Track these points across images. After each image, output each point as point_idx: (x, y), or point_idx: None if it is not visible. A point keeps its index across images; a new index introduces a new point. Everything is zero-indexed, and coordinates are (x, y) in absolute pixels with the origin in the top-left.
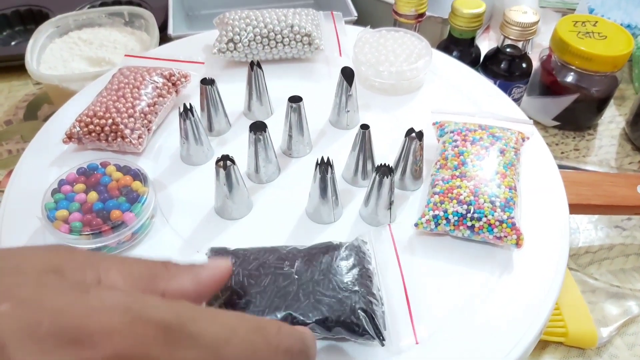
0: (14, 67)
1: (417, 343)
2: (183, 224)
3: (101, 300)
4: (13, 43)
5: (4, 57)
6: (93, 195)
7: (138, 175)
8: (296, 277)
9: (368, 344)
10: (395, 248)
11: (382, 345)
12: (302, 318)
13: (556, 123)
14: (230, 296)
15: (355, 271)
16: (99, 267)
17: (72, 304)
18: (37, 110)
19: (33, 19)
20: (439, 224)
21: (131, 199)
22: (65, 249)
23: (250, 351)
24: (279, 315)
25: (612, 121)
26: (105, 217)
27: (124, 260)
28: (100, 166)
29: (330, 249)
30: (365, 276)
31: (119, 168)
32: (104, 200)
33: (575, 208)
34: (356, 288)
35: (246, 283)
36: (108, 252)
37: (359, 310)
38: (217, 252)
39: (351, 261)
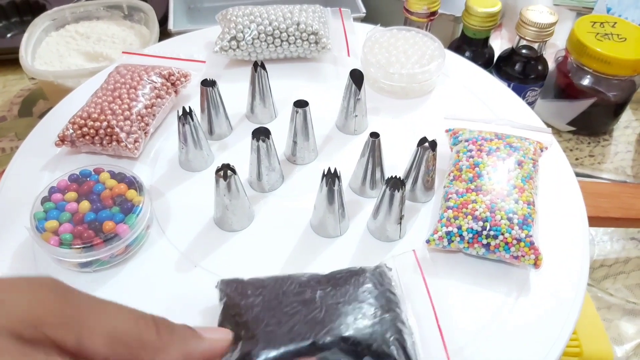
0: (9, 60)
1: None
2: (180, 236)
3: None
4: (9, 35)
5: None
6: (85, 204)
7: (133, 184)
8: (319, 305)
9: None
10: (423, 276)
11: None
12: (329, 339)
13: (571, 128)
14: (248, 331)
15: (381, 298)
16: (82, 327)
17: None
18: (33, 106)
19: (30, 10)
20: (452, 241)
21: (125, 210)
22: (56, 295)
23: None
24: (306, 344)
25: (628, 126)
26: (98, 228)
27: (114, 316)
28: (93, 173)
29: (353, 274)
30: (393, 303)
31: (113, 175)
32: (96, 211)
33: (593, 220)
34: (386, 316)
35: (265, 315)
36: (99, 266)
37: (391, 339)
38: (228, 284)
39: (377, 288)
